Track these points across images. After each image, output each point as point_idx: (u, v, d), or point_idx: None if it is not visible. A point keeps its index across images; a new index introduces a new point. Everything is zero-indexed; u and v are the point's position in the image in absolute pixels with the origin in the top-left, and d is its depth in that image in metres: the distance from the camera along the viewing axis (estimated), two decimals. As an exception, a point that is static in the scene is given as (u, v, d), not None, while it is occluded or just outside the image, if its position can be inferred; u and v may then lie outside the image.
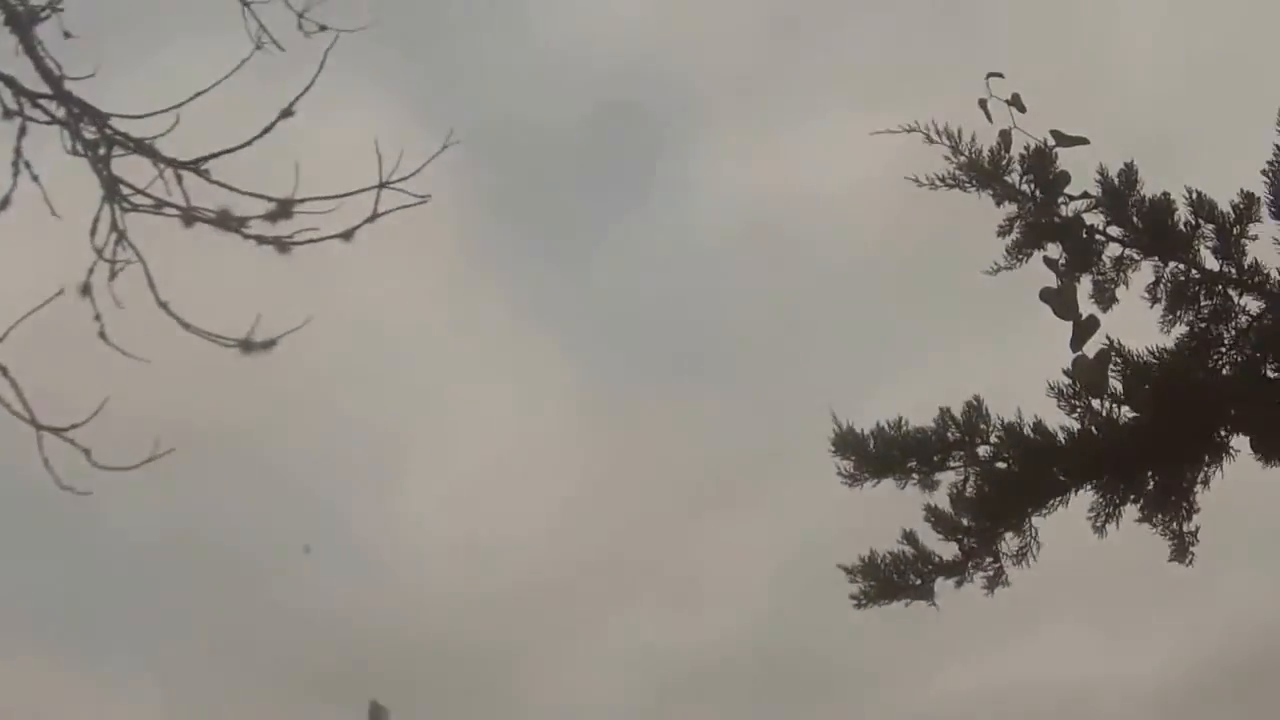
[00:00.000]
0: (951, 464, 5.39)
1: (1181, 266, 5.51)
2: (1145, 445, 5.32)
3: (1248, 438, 5.42)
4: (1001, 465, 5.37)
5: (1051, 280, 5.42)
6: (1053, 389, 5.34)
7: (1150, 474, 5.40)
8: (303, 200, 3.11)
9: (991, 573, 5.38)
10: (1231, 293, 5.52)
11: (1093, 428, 5.33)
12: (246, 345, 3.13)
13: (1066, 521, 5.33)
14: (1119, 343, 5.34)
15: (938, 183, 5.36)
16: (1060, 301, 5.39)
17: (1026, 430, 5.34)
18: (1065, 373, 5.38)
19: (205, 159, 3.16)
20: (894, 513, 5.38)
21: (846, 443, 5.34)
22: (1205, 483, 5.49)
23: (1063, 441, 5.31)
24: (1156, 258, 5.51)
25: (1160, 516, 5.49)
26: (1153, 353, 5.37)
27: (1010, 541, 5.38)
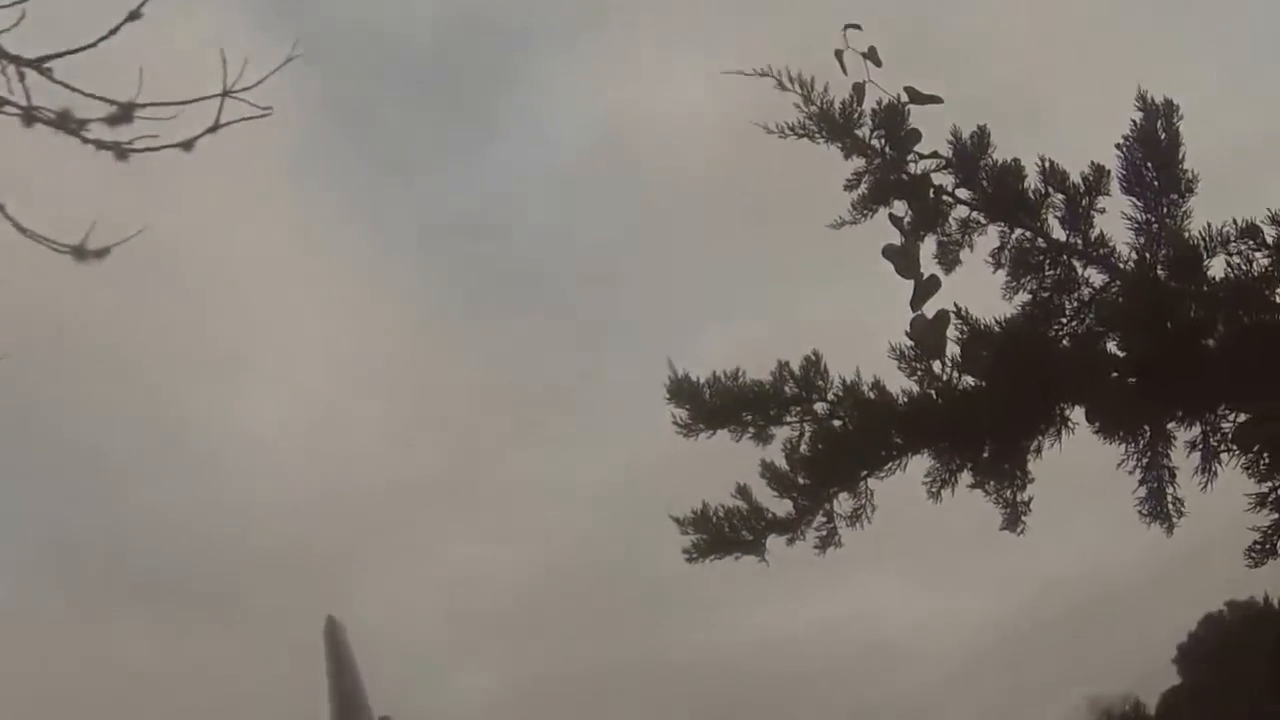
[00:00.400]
0: (788, 419, 5.27)
1: (1028, 234, 5.49)
2: (982, 412, 5.26)
3: (1084, 409, 5.40)
4: (838, 424, 5.27)
5: (896, 237, 5.36)
6: (894, 350, 5.26)
7: (986, 441, 5.34)
8: (145, 105, 3.02)
9: (824, 533, 5.27)
10: (1076, 264, 5.51)
11: (932, 392, 5.26)
12: (80, 252, 3.01)
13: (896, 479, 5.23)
14: (963, 308, 5.29)
15: (787, 131, 5.25)
16: (902, 260, 5.33)
17: (866, 390, 5.25)
18: (906, 333, 5.31)
19: (49, 58, 3.01)
20: (720, 449, 5.22)
21: (682, 391, 5.19)
22: (1038, 452, 5.46)
23: (902, 404, 5.22)
24: (1003, 223, 5.48)
25: (993, 484, 5.44)
26: (996, 320, 5.34)
27: (844, 502, 5.28)
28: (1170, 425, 5.46)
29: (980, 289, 5.39)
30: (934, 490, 5.34)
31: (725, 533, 5.20)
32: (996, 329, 5.29)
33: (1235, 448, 5.56)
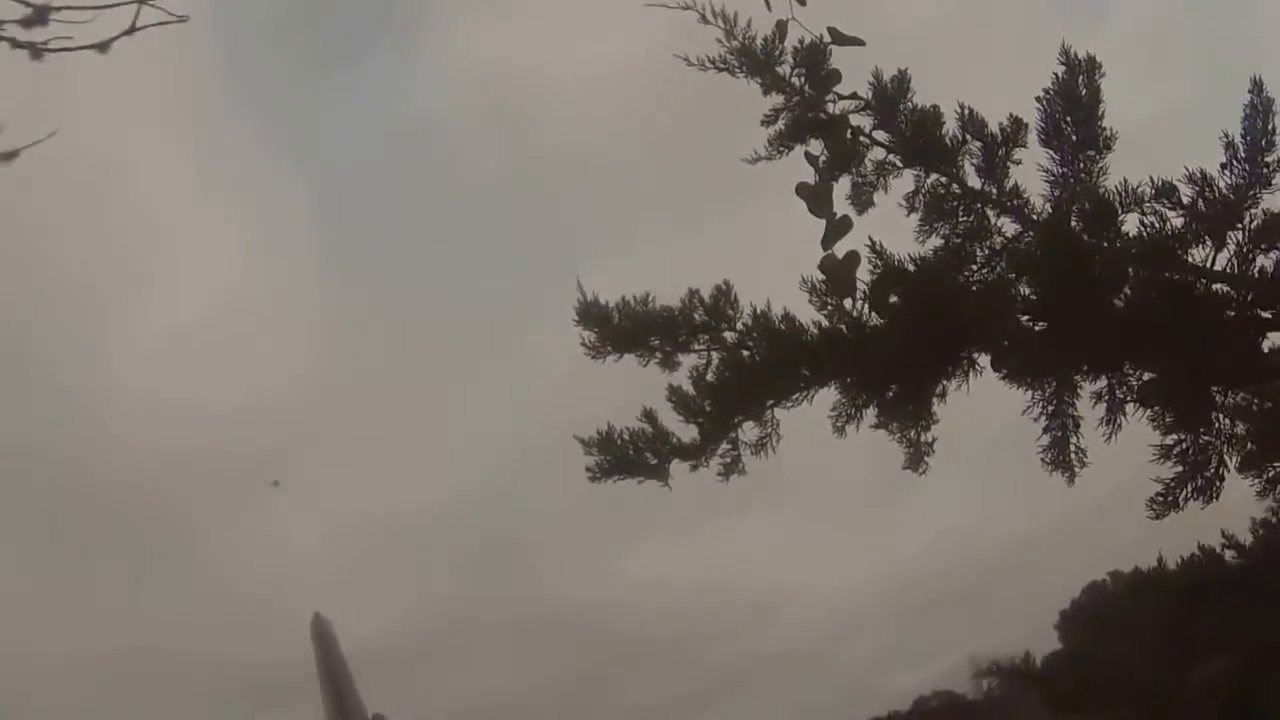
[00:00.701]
0: (696, 347, 5.31)
1: (943, 180, 5.56)
2: (890, 351, 5.30)
3: (990, 355, 5.45)
4: (746, 354, 5.31)
5: (810, 176, 5.42)
6: (805, 283, 5.30)
7: (892, 380, 5.39)
8: (60, 8, 2.99)
9: (729, 460, 5.29)
10: (990, 212, 5.58)
11: (842, 327, 5.30)
12: (-11, 153, 3.09)
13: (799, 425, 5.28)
14: (877, 242, 5.33)
15: (707, 64, 5.34)
16: (816, 198, 5.37)
17: (775, 321, 5.29)
18: (819, 267, 5.35)
19: (-37, -42, 3.09)
20: (632, 381, 5.27)
21: (591, 314, 5.23)
22: (943, 396, 5.50)
23: (811, 337, 5.27)
24: (919, 167, 5.55)
25: (897, 424, 5.48)
26: (909, 256, 5.38)
27: (749, 430, 5.31)
28: (1076, 377, 5.51)
29: (892, 232, 5.45)
30: (839, 425, 5.37)
31: (629, 455, 5.22)
32: (908, 267, 5.34)
33: (1140, 404, 5.61)
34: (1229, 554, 5.55)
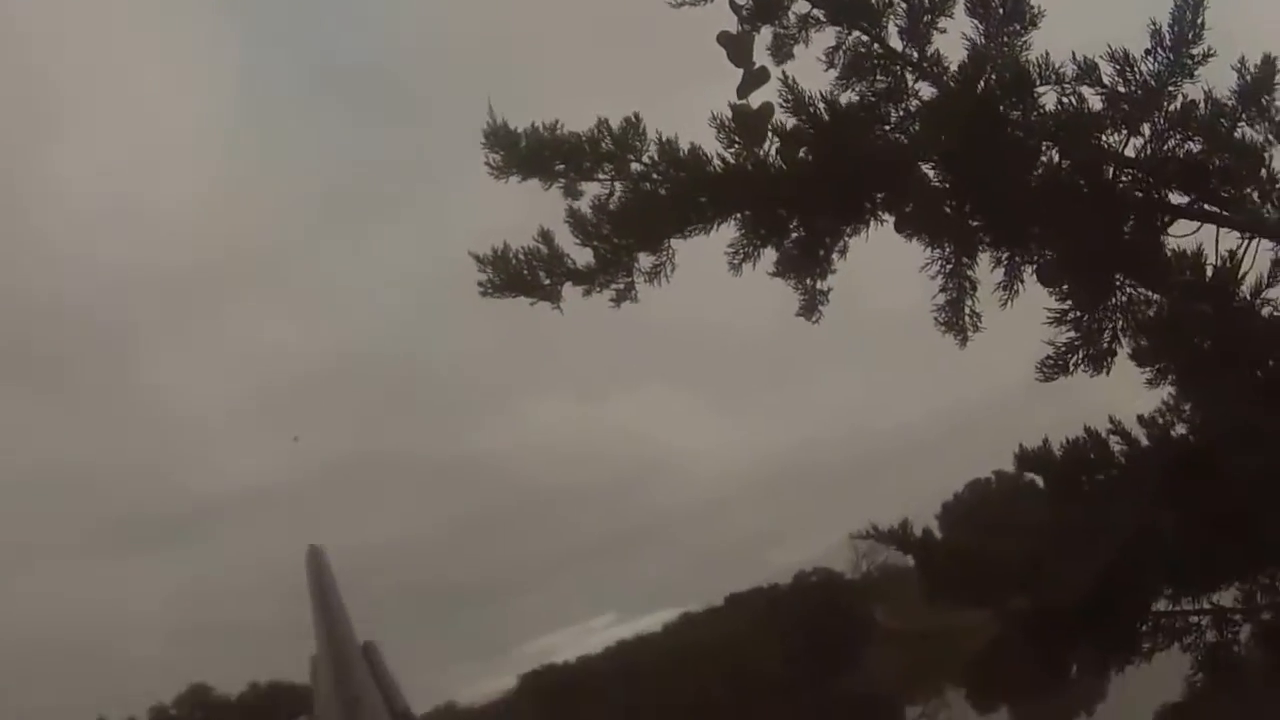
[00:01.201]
0: (600, 176, 5.33)
1: (865, 39, 5.59)
2: (795, 193, 5.32)
3: (894, 217, 5.46)
4: (649, 186, 5.32)
5: (734, 25, 5.46)
6: (715, 119, 5.31)
7: (793, 221, 5.40)
8: None
9: (622, 286, 5.31)
10: (908, 75, 5.60)
11: (748, 165, 5.31)
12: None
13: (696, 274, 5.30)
14: (793, 80, 5.34)
15: (635, -99, 5.36)
16: (736, 48, 5.41)
17: (681, 152, 5.30)
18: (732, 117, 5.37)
19: None
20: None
21: (498, 137, 5.25)
22: (844, 252, 5.52)
23: (715, 169, 5.28)
24: (843, 25, 5.58)
25: (795, 271, 5.49)
26: (824, 98, 5.39)
27: (645, 260, 5.32)
28: (978, 241, 5.52)
29: (809, 86, 5.45)
30: (735, 262, 5.39)
31: (523, 274, 5.24)
32: (822, 111, 5.35)
33: (1040, 283, 5.62)
34: (1114, 440, 5.55)
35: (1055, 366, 5.32)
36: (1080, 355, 5.29)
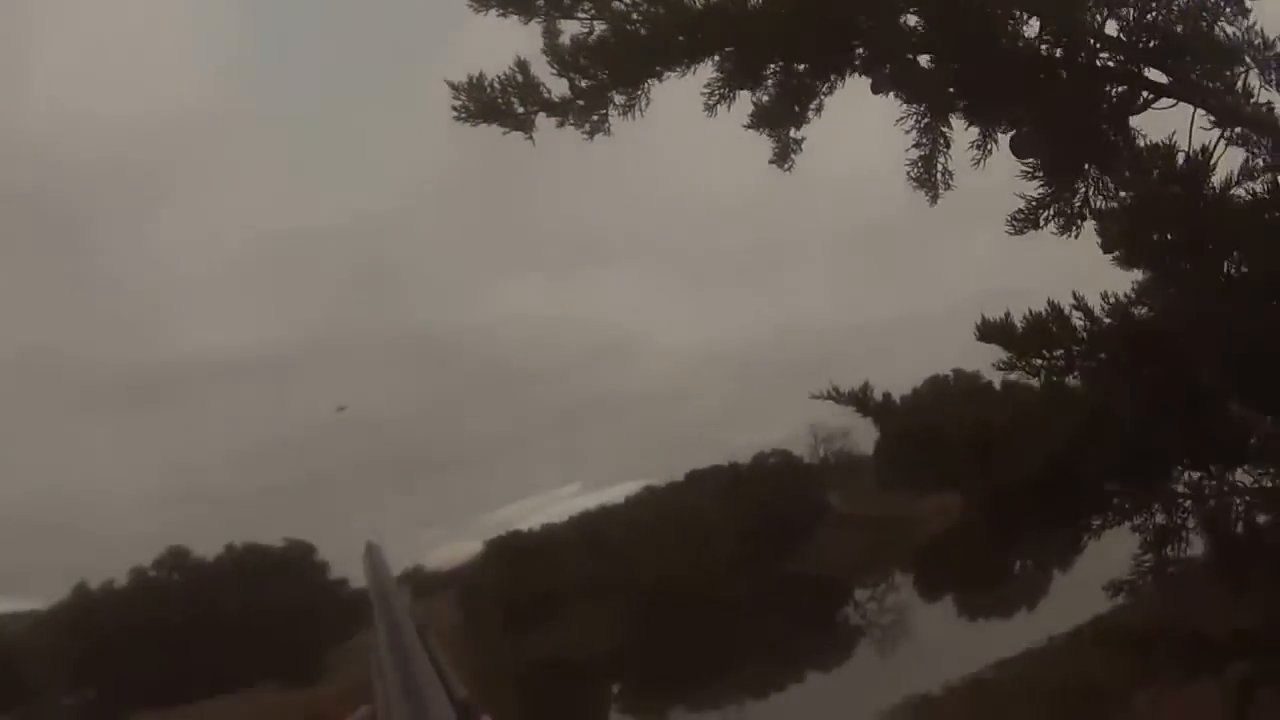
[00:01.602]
0: (581, 13, 5.25)
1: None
2: (775, 37, 5.28)
3: (870, 78, 5.44)
4: (630, 26, 5.26)
5: None
6: (698, -38, 5.21)
7: (770, 65, 5.38)
8: None
9: (596, 118, 5.30)
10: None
11: (729, 4, 5.25)
12: None
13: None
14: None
15: None
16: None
17: (664, -10, 5.22)
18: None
19: None
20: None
21: (478, -29, 5.14)
22: (818, 110, 5.52)
23: (695, 7, 5.21)
24: None
25: (769, 120, 5.50)
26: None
27: (619, 95, 5.30)
28: (954, 109, 5.52)
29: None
30: (710, 104, 5.38)
31: (497, 102, 5.21)
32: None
33: (1013, 154, 5.65)
34: (1077, 316, 5.65)
35: (1026, 220, 5.39)
36: (1050, 211, 5.36)
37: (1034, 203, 5.34)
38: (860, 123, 5.81)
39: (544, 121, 5.37)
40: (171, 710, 52.79)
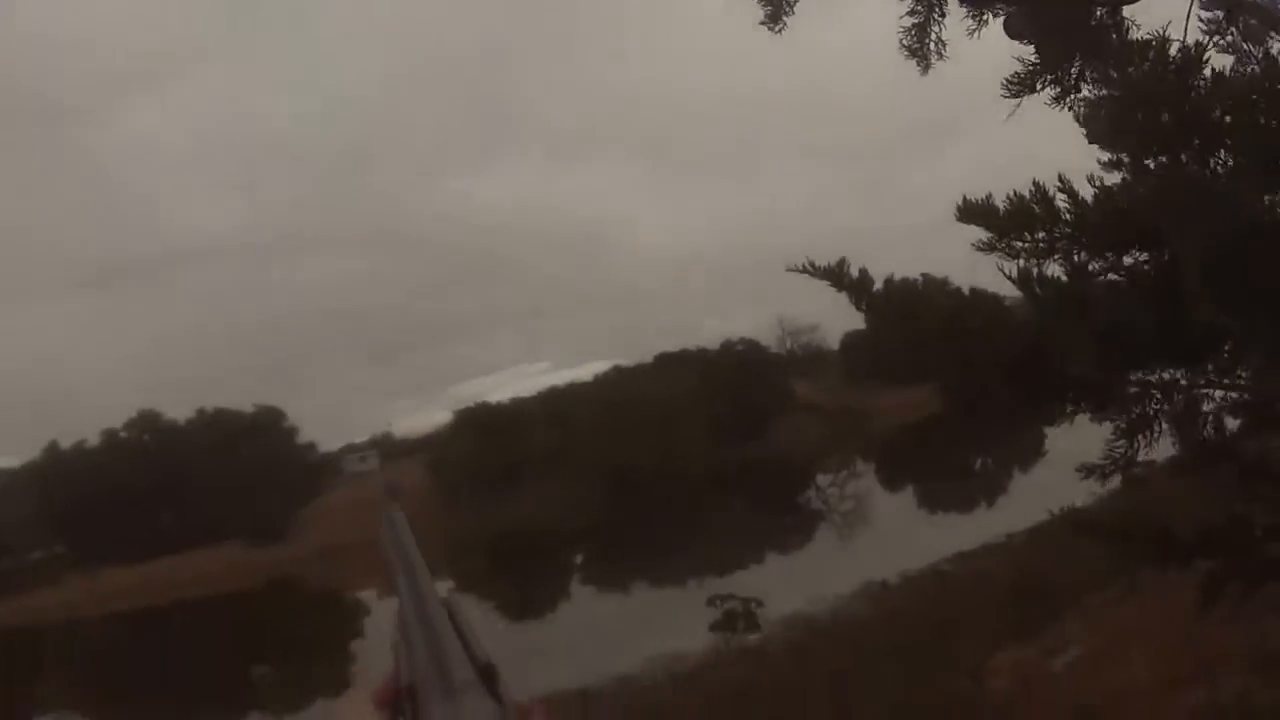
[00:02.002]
0: None
1: None
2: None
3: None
4: None
5: None
6: None
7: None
8: None
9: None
10: None
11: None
12: None
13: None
14: None
15: None
16: None
17: None
18: None
19: None
20: None
21: None
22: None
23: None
24: None
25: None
26: None
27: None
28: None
29: None
30: None
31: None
32: None
33: (1005, 32, 5.43)
34: (1062, 198, 5.50)
35: (1021, 84, 5.22)
36: (1046, 79, 5.18)
37: (1031, 67, 5.15)
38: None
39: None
40: (138, 566, 54.08)
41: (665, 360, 65.24)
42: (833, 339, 72.87)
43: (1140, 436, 5.21)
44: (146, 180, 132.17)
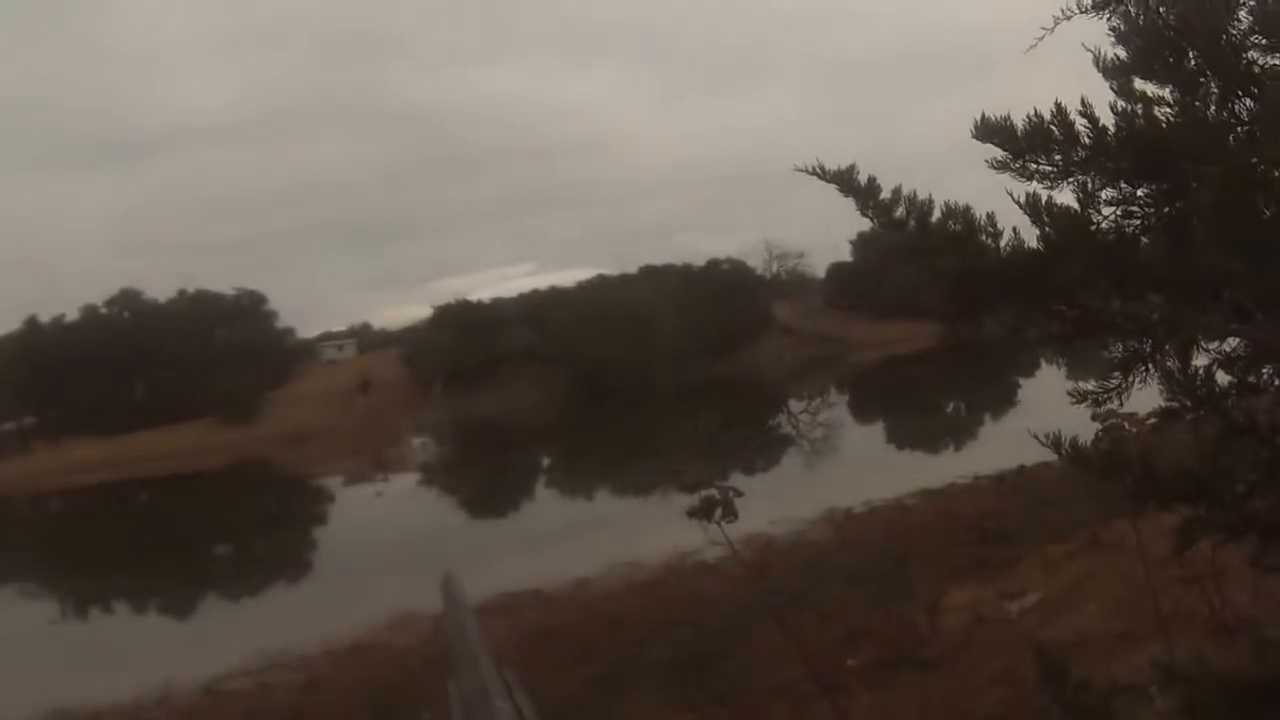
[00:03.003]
0: None
1: None
2: None
3: None
4: None
5: None
6: None
7: None
8: None
9: None
10: None
11: None
12: None
13: None
14: None
15: None
16: None
17: None
18: None
19: None
20: None
21: None
22: None
23: None
24: None
25: None
26: None
27: None
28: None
29: None
30: None
31: None
32: None
33: None
34: (1083, 122, 5.14)
35: None
36: None
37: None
38: None
39: None
40: (108, 439, 53.88)
41: (650, 272, 64.85)
42: (818, 268, 73.22)
43: (1135, 371, 4.98)
44: (141, 55, 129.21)
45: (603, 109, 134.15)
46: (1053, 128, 5.25)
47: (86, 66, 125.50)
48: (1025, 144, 5.25)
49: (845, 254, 69.38)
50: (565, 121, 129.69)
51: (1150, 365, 4.59)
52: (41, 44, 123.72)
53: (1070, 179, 5.21)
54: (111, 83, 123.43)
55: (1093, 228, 4.97)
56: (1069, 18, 4.87)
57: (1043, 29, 5.03)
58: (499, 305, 64.67)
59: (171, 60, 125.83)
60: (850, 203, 5.07)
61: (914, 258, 6.08)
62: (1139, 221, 4.91)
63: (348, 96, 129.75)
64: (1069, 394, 4.41)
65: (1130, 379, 4.61)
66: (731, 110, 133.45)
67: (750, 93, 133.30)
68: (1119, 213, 4.91)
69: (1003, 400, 33.32)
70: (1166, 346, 4.87)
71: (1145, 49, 5.15)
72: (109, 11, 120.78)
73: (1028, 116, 5.29)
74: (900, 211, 6.17)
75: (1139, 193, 4.90)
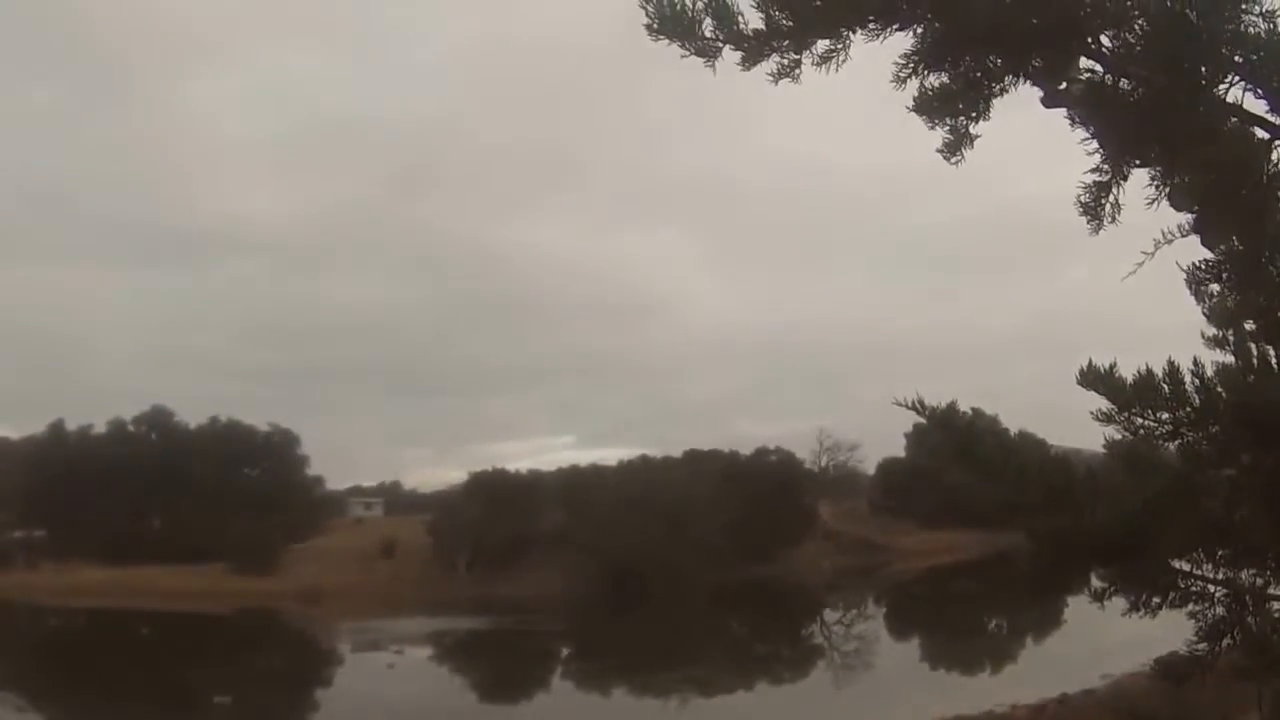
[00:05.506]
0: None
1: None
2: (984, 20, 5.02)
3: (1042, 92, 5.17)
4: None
5: None
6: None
7: (968, 56, 5.13)
8: None
9: (787, 62, 5.04)
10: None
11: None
12: None
13: None
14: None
15: None
16: None
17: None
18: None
19: None
20: None
21: None
22: (1002, 93, 5.25)
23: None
24: None
25: (944, 108, 5.24)
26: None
27: (821, 41, 5.06)
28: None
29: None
30: (900, 75, 5.12)
31: (687, 20, 4.96)
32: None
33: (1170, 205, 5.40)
34: (1193, 381, 5.36)
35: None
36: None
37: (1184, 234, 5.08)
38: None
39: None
40: (116, 569, 50.86)
41: (694, 457, 62.90)
42: (870, 463, 69.94)
43: (1222, 640, 4.97)
44: (199, 158, 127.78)
45: (660, 275, 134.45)
46: (1164, 385, 5.42)
47: (149, 161, 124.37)
48: (1132, 397, 5.40)
49: (899, 445, 66.43)
50: (624, 277, 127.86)
51: (1237, 634, 4.58)
52: (113, 131, 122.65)
53: (1179, 439, 5.31)
54: (170, 180, 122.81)
55: (1197, 492, 5.03)
56: (1169, 242, 5.16)
57: (1143, 253, 5.33)
58: (536, 479, 62.34)
59: (235, 163, 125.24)
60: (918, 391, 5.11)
61: (1003, 511, 6.12)
62: (1242, 489, 4.98)
63: (406, 229, 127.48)
64: (1151, 666, 4.41)
65: (1216, 650, 4.59)
66: (794, 285, 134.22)
67: (813, 268, 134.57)
68: (1224, 479, 4.98)
69: (1047, 620, 32.23)
70: (1252, 616, 4.86)
71: (1248, 308, 5.39)
72: (179, 102, 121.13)
73: (1137, 370, 5.47)
74: (996, 456, 6.21)
75: (1243, 459, 5.00)
